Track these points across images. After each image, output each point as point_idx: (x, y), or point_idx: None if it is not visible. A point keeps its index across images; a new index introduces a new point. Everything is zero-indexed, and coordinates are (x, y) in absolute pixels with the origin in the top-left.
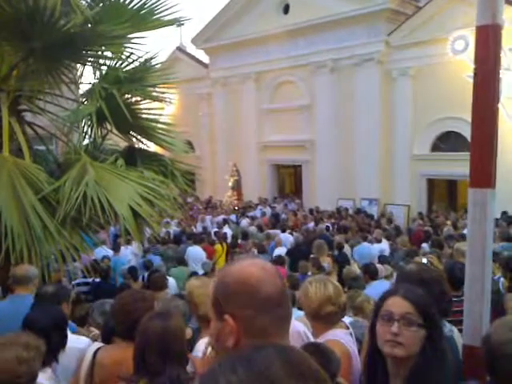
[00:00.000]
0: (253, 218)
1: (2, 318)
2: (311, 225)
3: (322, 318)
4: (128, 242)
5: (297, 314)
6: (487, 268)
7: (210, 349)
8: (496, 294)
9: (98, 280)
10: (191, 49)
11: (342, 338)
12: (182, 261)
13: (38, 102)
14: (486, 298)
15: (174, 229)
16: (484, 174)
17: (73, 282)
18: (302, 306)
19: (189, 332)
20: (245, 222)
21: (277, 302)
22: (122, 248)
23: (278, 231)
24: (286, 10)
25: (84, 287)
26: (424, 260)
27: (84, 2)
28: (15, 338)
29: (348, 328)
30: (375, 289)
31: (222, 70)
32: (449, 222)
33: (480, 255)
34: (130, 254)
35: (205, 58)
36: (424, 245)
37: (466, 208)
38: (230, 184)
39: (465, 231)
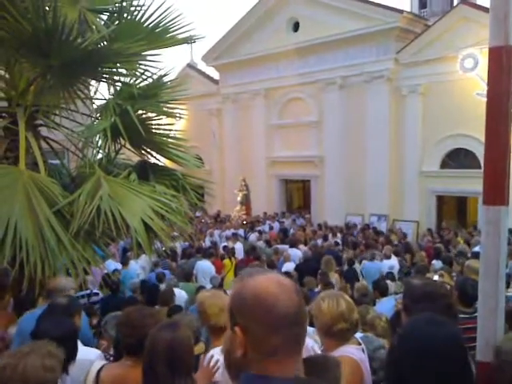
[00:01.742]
0: (261, 233)
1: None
2: (320, 240)
3: (335, 335)
4: (138, 256)
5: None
6: (501, 284)
7: (213, 359)
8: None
9: (95, 291)
10: (201, 65)
11: (353, 353)
12: (189, 277)
13: (54, 117)
14: (499, 314)
15: (181, 243)
16: (497, 191)
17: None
18: (314, 321)
19: (201, 346)
20: (253, 236)
21: (292, 321)
22: (132, 262)
23: (286, 246)
24: (296, 27)
25: (82, 300)
26: (435, 277)
27: (100, 20)
28: (39, 346)
29: (360, 344)
30: (385, 305)
31: (232, 86)
32: (459, 239)
33: (494, 272)
34: (139, 267)
35: (215, 75)
36: (434, 261)
37: (476, 225)
38: (239, 198)
39: (476, 249)
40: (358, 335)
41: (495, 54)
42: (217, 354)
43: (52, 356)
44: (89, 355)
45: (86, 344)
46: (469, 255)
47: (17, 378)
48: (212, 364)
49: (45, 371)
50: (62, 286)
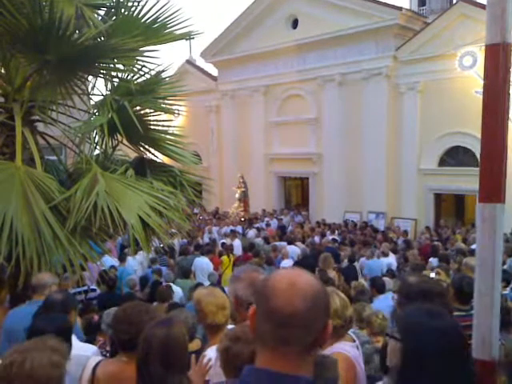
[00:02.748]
0: (259, 230)
1: (19, 323)
2: (317, 238)
3: None
4: (135, 253)
5: None
6: (496, 282)
7: (206, 357)
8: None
9: (92, 288)
10: (200, 62)
11: (347, 350)
12: (187, 274)
13: (51, 113)
14: (495, 311)
15: (179, 240)
16: (493, 188)
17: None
18: None
19: (197, 343)
20: (252, 233)
21: (281, 321)
22: (129, 258)
23: (284, 243)
24: (295, 24)
25: (79, 296)
26: (432, 274)
27: (97, 16)
28: (43, 342)
29: (354, 341)
30: (382, 302)
31: (231, 83)
32: (457, 236)
33: (489, 269)
34: (136, 264)
35: (214, 71)
36: (431, 259)
37: (474, 223)
38: (237, 195)
39: (473, 246)
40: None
41: (492, 52)
42: (211, 351)
43: (58, 351)
44: (85, 351)
45: None
46: (467, 253)
47: (24, 374)
48: (205, 362)
49: (52, 367)
50: (44, 282)
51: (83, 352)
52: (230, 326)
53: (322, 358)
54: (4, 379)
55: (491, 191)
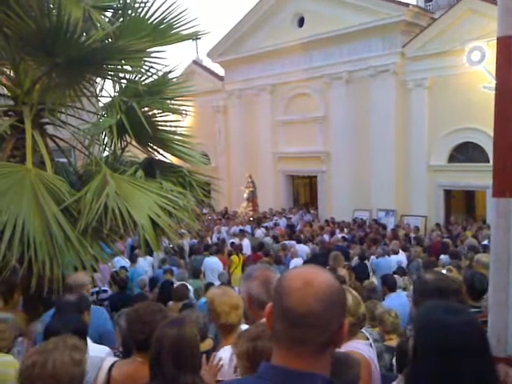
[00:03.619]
0: (267, 229)
1: None
2: (327, 236)
3: None
4: (150, 254)
5: None
6: (511, 277)
7: (216, 357)
8: None
9: (104, 289)
10: (207, 62)
11: (361, 349)
12: (197, 274)
13: (60, 115)
14: (510, 307)
15: (188, 241)
16: (507, 183)
17: None
18: None
19: (209, 343)
20: (260, 232)
21: (295, 320)
22: (140, 259)
23: (293, 242)
24: (301, 23)
25: (91, 297)
26: (444, 271)
27: (104, 18)
28: (64, 340)
29: (368, 339)
30: (394, 301)
31: (238, 82)
32: (468, 233)
33: (504, 264)
34: (147, 265)
35: (220, 71)
36: (442, 256)
37: (485, 219)
38: (245, 195)
39: (485, 242)
40: None
41: (503, 44)
42: (224, 352)
43: (78, 349)
44: (99, 352)
45: (109, 339)
46: (481, 250)
47: (47, 374)
48: (215, 362)
49: (74, 365)
50: (82, 281)
51: (97, 353)
52: (244, 326)
53: (345, 356)
54: (26, 380)
55: (505, 186)
